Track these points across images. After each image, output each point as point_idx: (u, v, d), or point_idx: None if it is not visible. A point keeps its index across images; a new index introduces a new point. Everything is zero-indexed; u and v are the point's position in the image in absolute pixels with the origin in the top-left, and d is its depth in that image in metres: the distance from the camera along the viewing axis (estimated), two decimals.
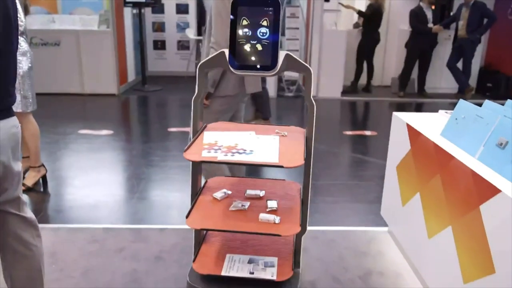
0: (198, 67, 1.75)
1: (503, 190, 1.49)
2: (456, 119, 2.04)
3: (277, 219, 1.67)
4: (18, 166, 1.60)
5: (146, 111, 6.65)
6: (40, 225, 2.01)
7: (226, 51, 1.68)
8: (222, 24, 2.39)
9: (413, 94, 7.47)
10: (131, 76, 7.88)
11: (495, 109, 1.91)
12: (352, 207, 3.31)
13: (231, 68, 1.66)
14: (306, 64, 1.73)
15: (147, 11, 8.47)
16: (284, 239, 2.00)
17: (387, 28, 7.95)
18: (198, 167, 1.86)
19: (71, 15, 7.47)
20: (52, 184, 3.56)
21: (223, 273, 1.72)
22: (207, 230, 1.64)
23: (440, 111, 2.50)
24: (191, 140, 1.77)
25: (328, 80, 7.11)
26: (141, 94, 7.28)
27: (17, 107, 3.19)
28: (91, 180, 3.67)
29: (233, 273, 1.73)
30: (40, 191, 3.46)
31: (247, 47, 1.64)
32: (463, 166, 1.75)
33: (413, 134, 2.25)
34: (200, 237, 1.93)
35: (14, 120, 1.54)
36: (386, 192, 2.67)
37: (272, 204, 1.78)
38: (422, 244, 2.10)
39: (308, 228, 2.68)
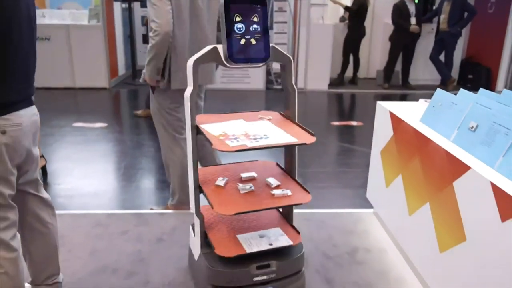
0: (192, 62, 1.85)
1: (472, 167, 1.69)
2: (433, 106, 2.24)
3: (288, 192, 1.86)
4: (36, 151, 1.75)
5: (138, 104, 6.74)
6: None
7: (219, 46, 1.83)
8: (161, 8, 2.42)
9: (398, 86, 7.71)
10: (121, 70, 7.97)
11: (468, 96, 2.11)
12: (340, 192, 3.51)
13: (225, 62, 1.81)
14: (287, 54, 1.95)
15: (136, 5, 8.53)
16: (274, 212, 2.20)
17: (372, 22, 8.16)
18: (197, 159, 1.99)
19: (61, 10, 7.52)
20: (52, 175, 3.68)
21: (248, 251, 1.88)
22: (240, 213, 1.76)
23: (420, 100, 2.69)
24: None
25: (316, 73, 7.30)
26: (131, 87, 7.39)
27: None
28: (89, 171, 3.81)
29: (256, 248, 1.90)
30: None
31: (242, 42, 1.81)
32: (439, 148, 1.95)
33: (396, 121, 2.45)
34: (204, 227, 2.06)
35: (34, 109, 1.69)
36: (371, 176, 2.86)
37: (274, 181, 1.97)
38: (404, 221, 2.30)
39: (300, 210, 2.89)
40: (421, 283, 2.17)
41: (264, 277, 1.88)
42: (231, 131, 1.85)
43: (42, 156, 3.65)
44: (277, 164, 2.23)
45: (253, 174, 2.08)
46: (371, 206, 2.95)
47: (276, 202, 1.84)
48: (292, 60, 1.94)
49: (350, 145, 4.77)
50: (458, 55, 7.84)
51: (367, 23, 7.60)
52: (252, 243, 1.93)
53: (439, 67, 7.48)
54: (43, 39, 6.73)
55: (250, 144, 1.69)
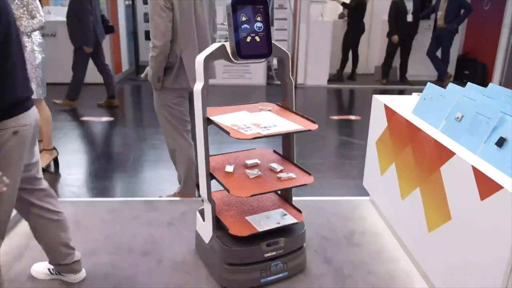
0: (203, 59, 2.01)
1: (457, 153, 1.87)
2: (424, 99, 2.41)
3: (292, 175, 2.05)
4: (37, 148, 1.90)
5: (142, 99, 6.93)
6: (60, 199, 2.30)
7: (227, 44, 2.01)
8: (160, 25, 2.60)
9: (396, 81, 7.88)
10: (125, 66, 8.13)
11: (456, 90, 2.28)
12: (338, 182, 3.70)
13: (232, 58, 1.98)
14: (284, 49, 2.14)
15: (139, 2, 8.69)
16: (274, 195, 2.39)
17: (370, 18, 8.31)
18: (207, 148, 2.16)
19: (65, 7, 7.65)
20: (63, 166, 3.86)
21: (260, 230, 2.07)
22: (255, 195, 1.94)
23: (413, 93, 2.86)
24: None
25: (315, 69, 7.47)
26: (135, 83, 7.55)
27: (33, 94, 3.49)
28: (99, 162, 3.99)
29: (266, 227, 2.09)
30: (52, 172, 3.77)
31: (248, 39, 1.98)
32: (428, 137, 2.12)
33: (389, 113, 2.63)
34: (215, 210, 2.24)
35: (35, 108, 1.81)
36: (368, 165, 3.04)
37: (277, 166, 2.16)
38: (397, 206, 2.48)
39: (301, 198, 3.07)
40: (412, 262, 2.36)
41: (274, 253, 2.08)
42: (240, 121, 2.02)
43: (54, 148, 3.84)
44: (274, 151, 2.41)
45: (257, 160, 2.26)
46: (367, 194, 3.13)
47: (284, 184, 2.03)
48: (288, 54, 2.12)
49: (348, 138, 4.96)
50: (454, 51, 8.01)
51: (366, 20, 7.76)
52: (261, 223, 2.11)
53: (436, 63, 7.65)
54: (48, 35, 6.87)
55: (264, 132, 1.87)
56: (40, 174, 1.99)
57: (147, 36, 9.51)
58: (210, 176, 2.12)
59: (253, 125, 1.96)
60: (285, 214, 2.20)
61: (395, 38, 7.37)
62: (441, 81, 7.39)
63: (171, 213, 2.87)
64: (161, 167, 3.92)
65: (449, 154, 1.91)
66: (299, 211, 2.25)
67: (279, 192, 2.40)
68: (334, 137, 5.04)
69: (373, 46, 8.45)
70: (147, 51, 9.52)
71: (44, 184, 2.02)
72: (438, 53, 7.65)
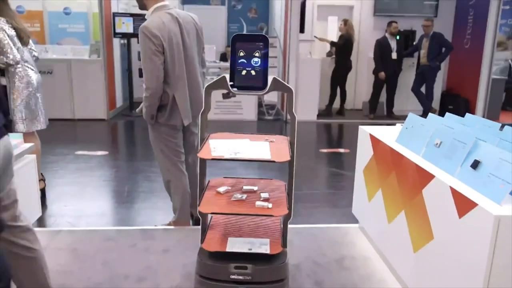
0: (204, 88, 2.22)
1: (436, 176, 2.01)
2: (406, 128, 2.58)
3: (269, 205, 2.14)
4: (11, 181, 1.82)
5: (135, 134, 7.06)
6: (57, 228, 2.34)
7: (227, 76, 2.17)
8: (152, 69, 2.74)
9: (383, 116, 8.13)
10: (119, 102, 8.31)
11: (435, 119, 2.46)
12: (329, 211, 3.81)
13: (230, 89, 2.15)
14: (288, 85, 2.26)
15: (134, 41, 8.96)
16: (274, 225, 2.46)
17: (357, 56, 8.67)
18: (204, 169, 2.32)
19: (62, 46, 7.91)
20: (59, 197, 3.93)
21: (227, 250, 2.16)
22: (215, 213, 2.06)
23: (397, 124, 3.04)
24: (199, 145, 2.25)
25: (305, 104, 7.69)
26: (128, 119, 7.70)
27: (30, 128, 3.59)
28: (94, 193, 4.06)
29: (235, 249, 2.17)
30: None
31: (244, 73, 2.14)
32: (411, 163, 2.27)
33: (375, 142, 2.78)
34: (206, 224, 2.37)
35: (7, 138, 1.73)
36: (356, 193, 3.17)
37: (265, 194, 2.26)
38: (384, 229, 2.60)
39: (292, 226, 3.16)
40: (400, 283, 2.45)
41: (240, 277, 2.10)
42: (225, 146, 2.18)
43: (42, 179, 3.90)
44: (285, 185, 2.49)
45: (254, 187, 2.37)
46: (357, 222, 3.23)
47: (252, 211, 2.10)
48: (293, 90, 2.22)
49: (337, 169, 5.10)
50: (438, 87, 8.34)
51: (353, 58, 8.09)
52: (236, 245, 2.19)
53: (421, 99, 7.95)
54: (45, 72, 7.04)
55: (228, 156, 2.04)
56: (18, 211, 1.90)
57: (141, 73, 9.76)
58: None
59: (229, 150, 2.11)
60: (265, 244, 2.23)
61: (382, 74, 7.69)
62: (426, 115, 7.64)
63: (166, 241, 2.94)
64: (156, 198, 4.00)
65: (430, 177, 2.05)
66: (283, 246, 2.25)
67: (281, 224, 2.47)
68: (324, 169, 5.18)
69: (360, 83, 8.77)
70: (140, 88, 9.71)
71: (23, 221, 1.92)
72: (423, 89, 7.96)
